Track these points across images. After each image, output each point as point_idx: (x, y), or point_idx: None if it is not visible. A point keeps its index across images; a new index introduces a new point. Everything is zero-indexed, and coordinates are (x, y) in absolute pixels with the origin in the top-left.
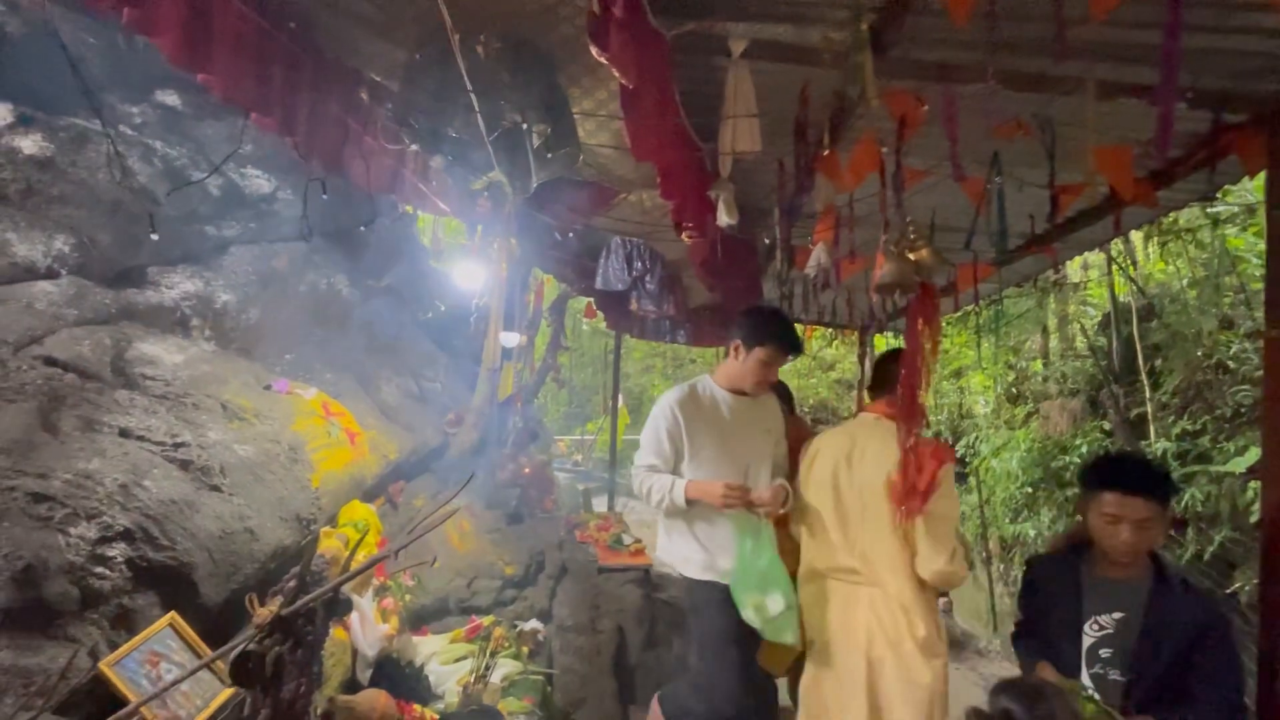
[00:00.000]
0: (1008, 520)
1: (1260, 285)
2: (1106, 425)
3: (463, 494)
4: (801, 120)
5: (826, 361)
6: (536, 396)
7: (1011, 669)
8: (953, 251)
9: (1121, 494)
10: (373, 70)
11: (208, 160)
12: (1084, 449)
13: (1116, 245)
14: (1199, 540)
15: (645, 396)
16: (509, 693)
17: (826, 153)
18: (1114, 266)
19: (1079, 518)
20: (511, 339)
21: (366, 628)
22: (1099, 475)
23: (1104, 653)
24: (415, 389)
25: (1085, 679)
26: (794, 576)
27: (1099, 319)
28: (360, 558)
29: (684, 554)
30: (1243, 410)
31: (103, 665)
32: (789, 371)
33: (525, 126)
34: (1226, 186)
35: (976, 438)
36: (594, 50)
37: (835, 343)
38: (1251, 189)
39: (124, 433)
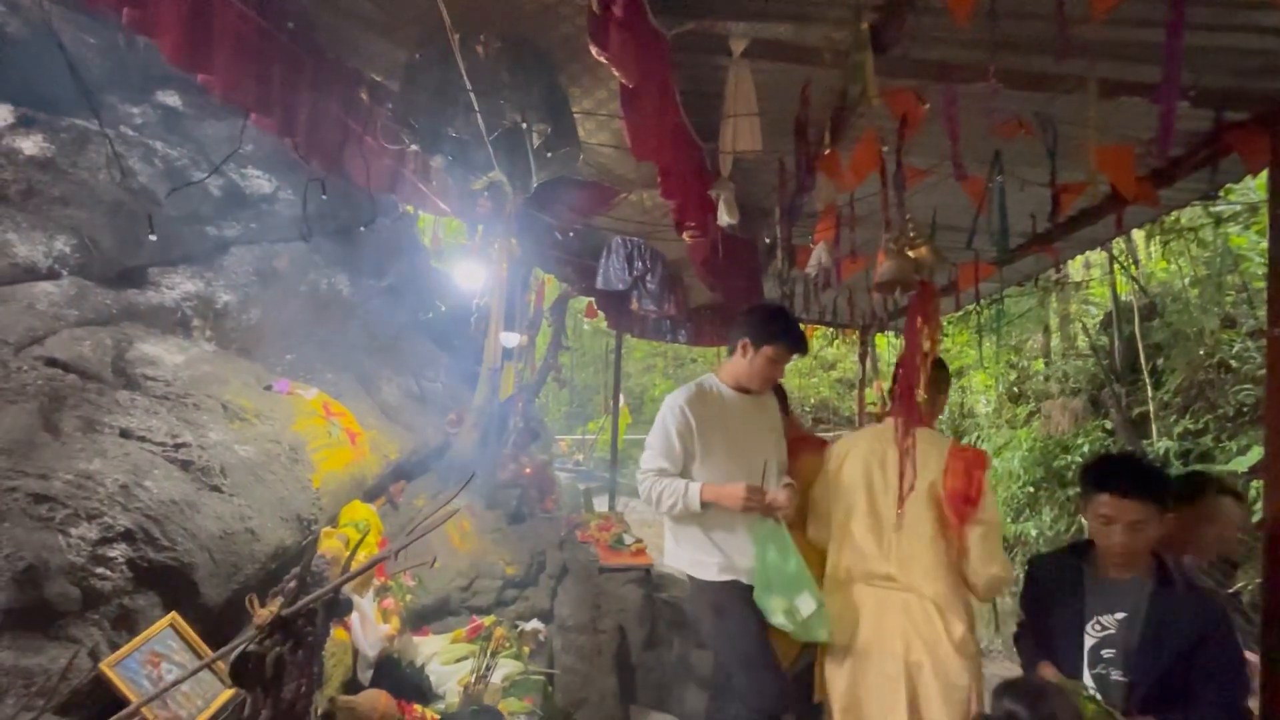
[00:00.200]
0: (1009, 520)
1: (1263, 284)
2: (1108, 424)
3: (463, 494)
4: (802, 119)
5: (828, 361)
6: (537, 396)
7: (1014, 669)
8: (954, 250)
9: (1114, 496)
10: (373, 70)
11: (208, 160)
12: (1086, 448)
13: (1118, 244)
14: None
15: (646, 396)
16: (510, 693)
17: (827, 152)
18: (1116, 265)
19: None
20: (512, 339)
21: (367, 628)
22: (1093, 477)
23: (1106, 653)
24: (416, 389)
25: (1087, 679)
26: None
27: (1101, 318)
28: (361, 558)
29: (698, 558)
30: (1245, 409)
31: (104, 666)
32: (789, 371)
33: (525, 126)
34: (1228, 185)
35: (978, 437)
36: (594, 50)
37: (836, 342)
38: (1254, 187)
39: (125, 433)
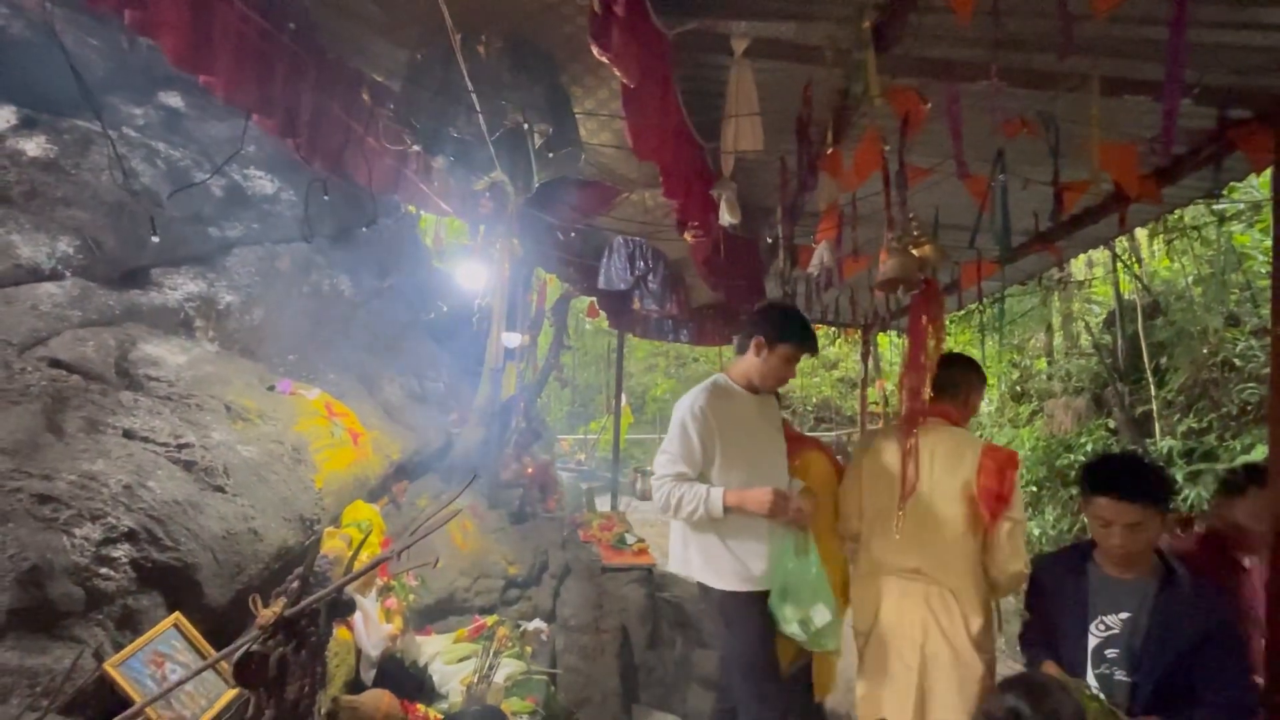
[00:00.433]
0: None
1: (1266, 282)
2: (1111, 423)
3: (466, 494)
4: (804, 118)
5: (829, 360)
6: (539, 396)
7: (1017, 668)
8: (956, 249)
9: (1112, 498)
10: (374, 71)
11: (211, 161)
12: (1089, 447)
13: (1121, 242)
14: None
15: (648, 396)
16: (512, 692)
17: (829, 151)
18: (1119, 264)
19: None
20: (514, 339)
21: (370, 628)
22: (1091, 479)
23: (1109, 653)
24: (418, 389)
25: (1090, 679)
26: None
27: (1104, 316)
28: (364, 558)
29: (711, 565)
30: (1249, 408)
31: (108, 666)
32: None
33: (527, 126)
34: (1232, 183)
35: (980, 435)
36: (595, 49)
37: (838, 341)
38: (1257, 185)
39: (128, 434)
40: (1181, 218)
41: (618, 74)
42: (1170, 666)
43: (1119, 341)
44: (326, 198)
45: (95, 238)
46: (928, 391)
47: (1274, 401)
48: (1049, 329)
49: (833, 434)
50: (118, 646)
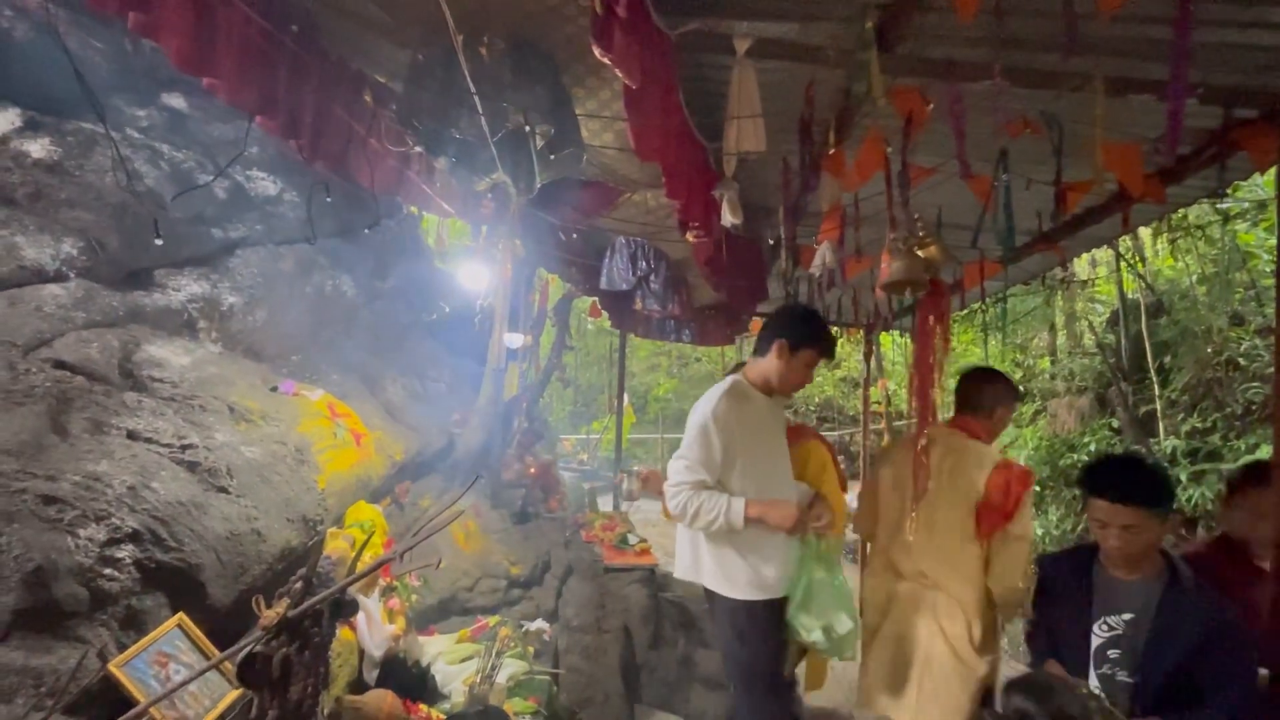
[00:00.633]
0: None
1: (1271, 281)
2: (1115, 423)
3: (468, 494)
4: (806, 119)
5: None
6: (541, 396)
7: (1020, 668)
8: (959, 249)
9: (1108, 501)
10: (377, 72)
11: (214, 163)
12: (1092, 447)
13: (1125, 242)
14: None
15: (650, 396)
16: (515, 693)
17: (832, 151)
18: (1122, 263)
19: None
20: (516, 339)
21: (373, 628)
22: (1089, 481)
23: (1112, 653)
24: (421, 389)
25: (1093, 679)
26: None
27: (1107, 316)
28: (367, 558)
29: (725, 573)
30: (1254, 407)
31: (112, 666)
32: None
33: (529, 127)
34: (1237, 182)
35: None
36: (597, 50)
37: (841, 341)
38: (1261, 184)
39: (132, 435)
40: (1185, 217)
41: (619, 75)
42: (1173, 668)
43: (1122, 341)
44: (329, 199)
45: (99, 239)
46: (937, 393)
47: (1278, 401)
48: (1052, 328)
49: (835, 434)
50: (122, 647)
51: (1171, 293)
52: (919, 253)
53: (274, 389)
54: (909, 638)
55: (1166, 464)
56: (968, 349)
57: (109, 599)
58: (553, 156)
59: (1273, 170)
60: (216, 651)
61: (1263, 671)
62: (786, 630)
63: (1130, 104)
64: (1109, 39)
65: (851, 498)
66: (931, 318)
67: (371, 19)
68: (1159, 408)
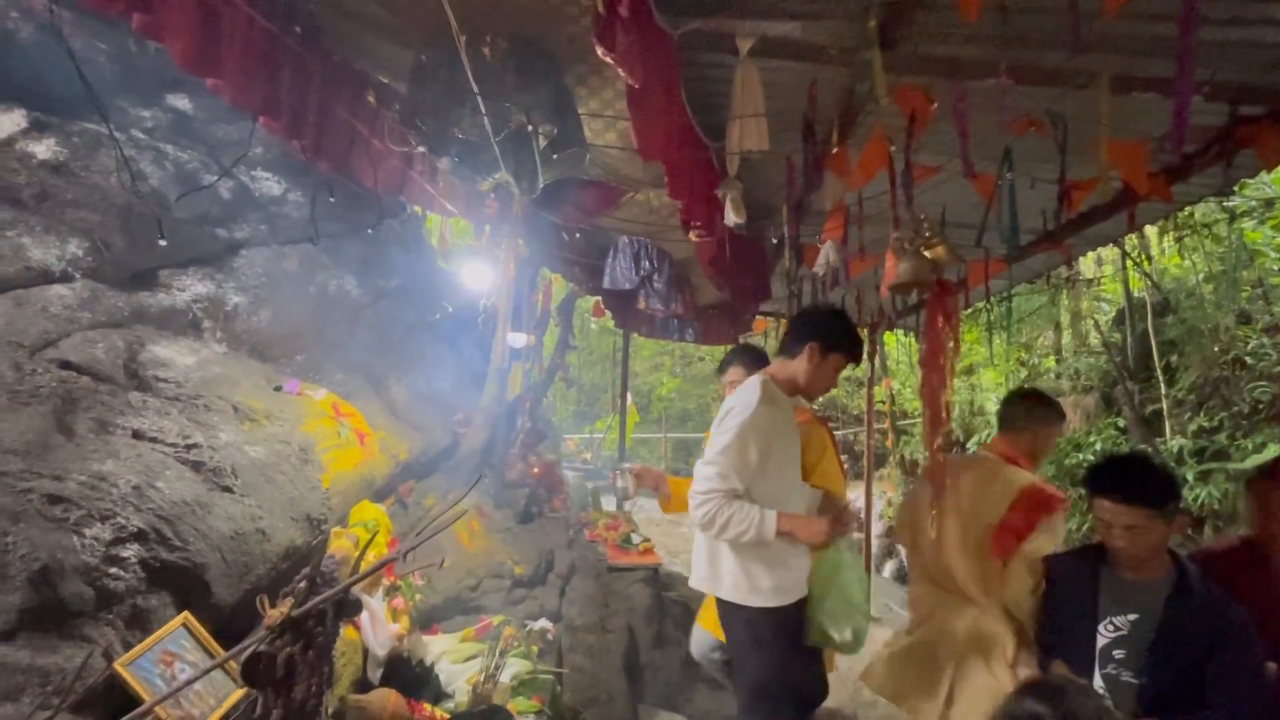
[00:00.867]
0: None
1: (1278, 279)
2: (1121, 422)
3: (472, 494)
4: (809, 117)
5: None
6: (545, 396)
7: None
8: (964, 248)
9: (1111, 501)
10: (380, 72)
11: (219, 163)
12: (1098, 446)
13: (1131, 240)
14: (1216, 539)
15: (653, 395)
16: (519, 692)
17: (835, 150)
18: (1128, 262)
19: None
20: (519, 339)
21: (377, 627)
22: (1092, 480)
23: (1117, 654)
24: (424, 389)
25: (1098, 679)
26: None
27: (1113, 314)
28: (370, 558)
29: (748, 583)
30: (1261, 406)
31: (118, 665)
32: None
33: (532, 127)
34: (1243, 180)
35: (988, 434)
36: (600, 50)
37: None
38: (1269, 182)
39: (137, 434)
40: (1192, 215)
41: (622, 74)
42: (1178, 669)
43: (1128, 339)
44: (333, 199)
45: (104, 240)
46: (947, 393)
47: None
48: (1057, 327)
49: (840, 433)
50: (127, 646)
51: (1178, 291)
52: (925, 253)
53: (278, 389)
54: (945, 647)
55: (1173, 463)
56: (972, 348)
57: (114, 598)
58: (555, 156)
59: None
60: (221, 650)
61: (1271, 665)
62: (808, 630)
63: (1135, 101)
64: (1114, 36)
65: (856, 496)
66: (940, 318)
67: (374, 19)
68: (1165, 407)
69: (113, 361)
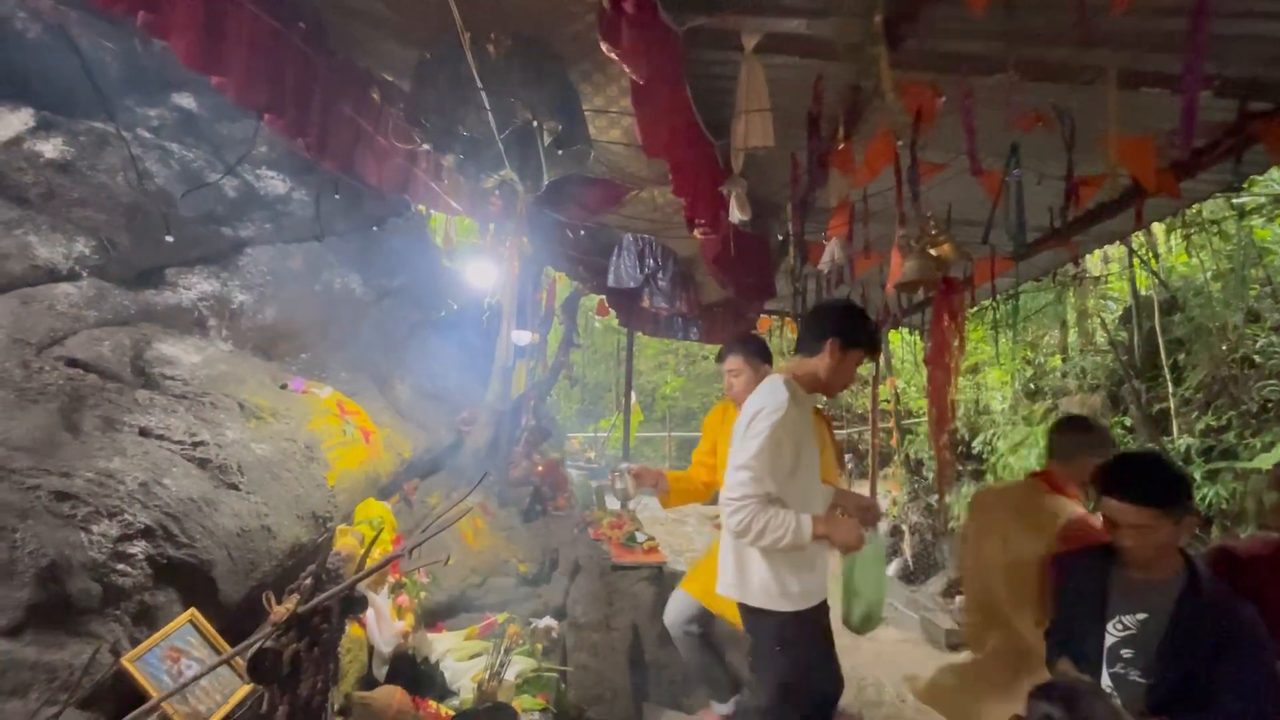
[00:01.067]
0: None
1: None
2: (1128, 421)
3: (476, 492)
4: (815, 114)
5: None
6: (549, 394)
7: None
8: (970, 245)
9: (1118, 499)
10: (384, 70)
11: (224, 162)
12: None
13: (1138, 238)
14: (1225, 539)
15: (657, 394)
16: (523, 689)
17: (841, 147)
18: (1135, 259)
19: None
20: (524, 337)
21: (382, 624)
22: (1101, 478)
23: (1125, 653)
24: (429, 387)
25: (1105, 678)
26: None
27: (1120, 313)
28: (376, 555)
29: (778, 588)
30: (1269, 405)
31: (125, 661)
32: None
33: (536, 124)
34: (1253, 176)
35: (994, 434)
36: (605, 46)
37: None
38: (1278, 179)
39: (144, 432)
40: (1200, 212)
41: (627, 71)
42: (1186, 670)
43: (1135, 338)
44: (338, 196)
45: (111, 238)
46: (952, 391)
47: None
48: (1064, 325)
49: (844, 432)
50: (134, 642)
51: (1185, 289)
52: (931, 251)
53: (283, 386)
54: (997, 671)
55: (1180, 463)
56: (978, 346)
57: (121, 594)
58: (560, 153)
59: None
60: (228, 647)
61: None
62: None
63: (1144, 97)
64: (1122, 31)
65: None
66: (945, 316)
67: (379, 17)
68: (1172, 405)
69: (119, 359)
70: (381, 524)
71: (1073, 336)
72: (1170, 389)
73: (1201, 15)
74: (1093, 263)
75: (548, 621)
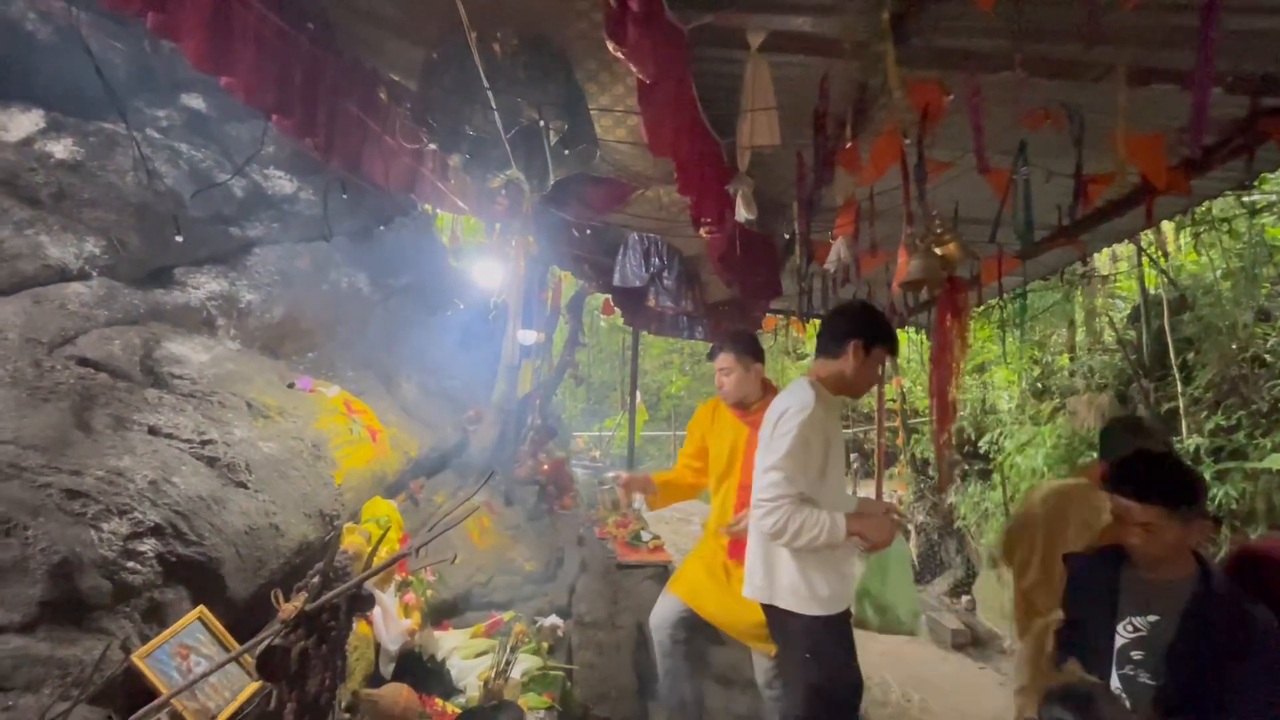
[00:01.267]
0: None
1: None
2: None
3: (482, 491)
4: (821, 112)
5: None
6: (554, 393)
7: None
8: (977, 244)
9: (1126, 497)
10: (391, 70)
11: (232, 162)
12: None
13: (1147, 236)
14: (1234, 539)
15: (663, 393)
16: (529, 688)
17: (847, 145)
18: (1144, 258)
19: None
20: (529, 336)
21: (389, 622)
22: (1111, 476)
23: (1135, 655)
24: (435, 386)
25: (1115, 680)
26: None
27: (1128, 311)
28: (382, 554)
29: (808, 591)
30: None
31: (135, 657)
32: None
33: (542, 123)
34: (1264, 174)
35: (1000, 433)
36: (611, 45)
37: None
38: None
39: (153, 431)
40: (1210, 210)
41: (633, 69)
42: (1196, 674)
43: (1144, 337)
44: (345, 196)
45: (120, 238)
46: (954, 390)
47: None
48: (1072, 324)
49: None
50: (144, 639)
51: (1195, 288)
52: (937, 250)
53: (291, 385)
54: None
55: (1189, 462)
56: (985, 345)
57: (132, 592)
58: (566, 152)
59: None
60: (236, 644)
61: None
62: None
63: (1153, 94)
64: (1131, 27)
65: (867, 493)
66: (949, 315)
67: (386, 17)
68: (1181, 405)
69: (129, 358)
70: (388, 522)
71: (1081, 335)
72: (1179, 388)
73: (1212, 10)
74: (1101, 261)
75: (553, 620)
